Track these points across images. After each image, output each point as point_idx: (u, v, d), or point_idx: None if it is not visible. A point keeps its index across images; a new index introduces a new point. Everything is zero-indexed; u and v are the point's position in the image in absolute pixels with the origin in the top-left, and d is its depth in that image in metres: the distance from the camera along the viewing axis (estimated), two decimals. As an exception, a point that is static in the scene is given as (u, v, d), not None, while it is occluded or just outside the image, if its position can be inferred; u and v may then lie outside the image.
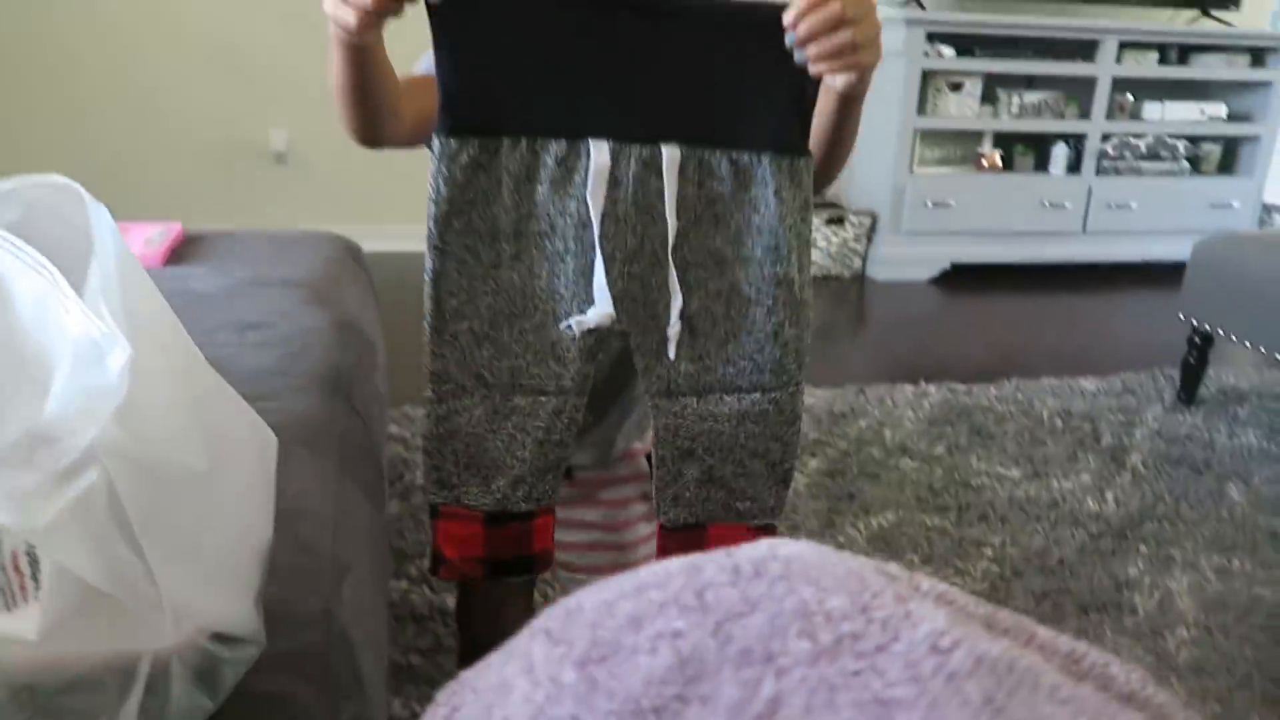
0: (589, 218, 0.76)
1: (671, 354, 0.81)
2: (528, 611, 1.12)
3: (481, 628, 1.10)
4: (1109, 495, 2.07)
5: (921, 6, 3.75)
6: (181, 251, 1.53)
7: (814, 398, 2.50)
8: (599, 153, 0.75)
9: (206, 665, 0.54)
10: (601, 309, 0.78)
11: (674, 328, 0.80)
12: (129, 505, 0.47)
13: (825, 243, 3.79)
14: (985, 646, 0.30)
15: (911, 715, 0.27)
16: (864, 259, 3.86)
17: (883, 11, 3.26)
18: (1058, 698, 0.29)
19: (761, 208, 0.79)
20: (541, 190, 0.76)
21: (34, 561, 0.53)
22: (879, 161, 3.80)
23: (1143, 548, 1.88)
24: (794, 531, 1.88)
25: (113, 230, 0.52)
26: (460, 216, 0.76)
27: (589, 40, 0.73)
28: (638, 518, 1.07)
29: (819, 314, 3.45)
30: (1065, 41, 3.78)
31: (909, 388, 2.60)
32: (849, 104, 0.82)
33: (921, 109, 3.72)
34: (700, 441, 0.84)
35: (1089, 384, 2.69)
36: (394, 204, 3.47)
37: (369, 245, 1.51)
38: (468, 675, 0.38)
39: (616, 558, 1.07)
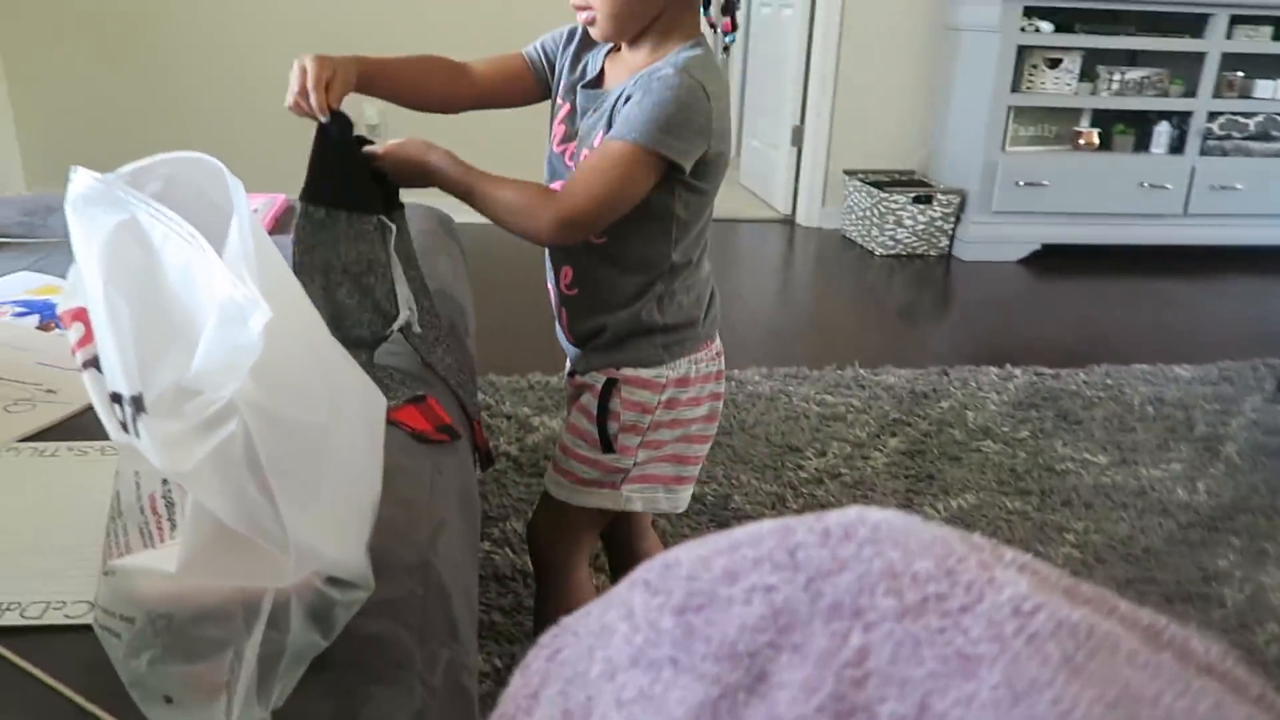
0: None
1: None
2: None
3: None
4: (1200, 485, 2.02)
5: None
6: (284, 220, 1.60)
7: (895, 377, 2.49)
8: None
9: (321, 605, 0.58)
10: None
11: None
12: (262, 453, 0.51)
13: (911, 221, 3.73)
14: (1066, 612, 0.31)
15: (993, 670, 0.29)
16: (951, 238, 3.79)
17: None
18: (1136, 662, 0.30)
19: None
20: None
21: (170, 504, 0.58)
22: (969, 139, 3.72)
23: (1234, 540, 1.83)
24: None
25: (246, 201, 0.56)
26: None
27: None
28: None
29: (903, 292, 3.41)
30: (1172, 15, 3.63)
31: (994, 370, 2.56)
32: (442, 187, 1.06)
33: (1016, 85, 3.62)
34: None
35: (1184, 371, 2.61)
36: (481, 176, 3.53)
37: (460, 216, 1.56)
38: (568, 620, 0.41)
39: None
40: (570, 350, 1.22)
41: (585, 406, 1.16)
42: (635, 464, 1.17)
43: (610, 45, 1.12)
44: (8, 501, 0.81)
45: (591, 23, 1.05)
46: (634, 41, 1.08)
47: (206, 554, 0.53)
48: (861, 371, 2.52)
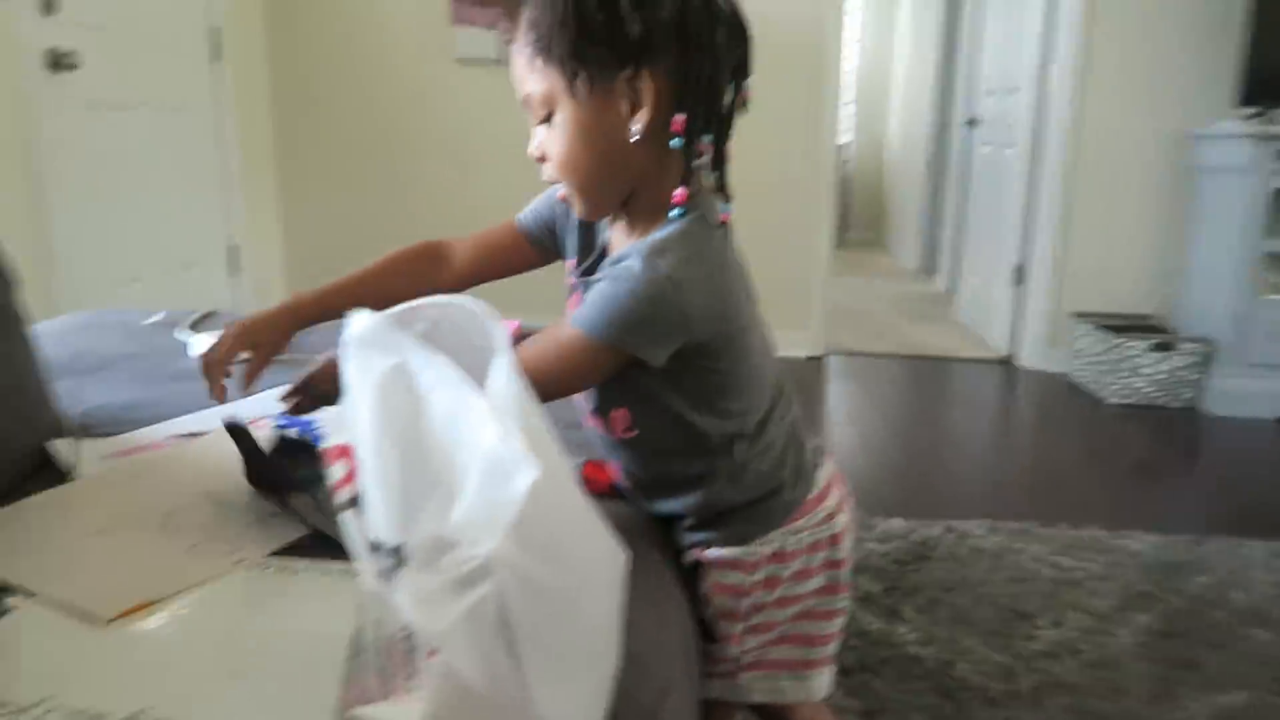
0: None
1: None
2: None
3: None
4: None
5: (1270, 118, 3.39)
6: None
7: (1140, 543, 2.24)
8: None
9: None
10: None
11: None
12: (515, 617, 0.47)
13: (1151, 370, 3.45)
14: None
15: None
16: (1197, 390, 3.47)
17: (1227, 126, 2.98)
18: None
19: None
20: None
21: (410, 651, 0.56)
22: (1215, 284, 3.43)
23: None
24: (1118, 695, 1.66)
25: (508, 344, 0.55)
26: None
27: None
28: None
29: (1142, 447, 3.12)
30: None
31: (1259, 544, 2.26)
32: None
33: (1272, 230, 3.32)
34: None
35: None
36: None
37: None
38: None
39: None
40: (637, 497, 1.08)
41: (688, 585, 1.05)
42: (744, 650, 1.03)
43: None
44: (250, 623, 0.82)
45: (566, 200, 0.96)
46: (624, 211, 0.96)
47: (447, 715, 0.49)
48: (1100, 534, 2.29)
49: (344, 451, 0.55)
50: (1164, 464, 3.05)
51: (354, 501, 0.53)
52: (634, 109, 0.87)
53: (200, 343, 1.56)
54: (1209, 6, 3.58)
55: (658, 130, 0.87)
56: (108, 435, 1.19)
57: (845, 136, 7.46)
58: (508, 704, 0.50)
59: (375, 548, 0.50)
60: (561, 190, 0.95)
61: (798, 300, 4.01)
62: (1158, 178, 3.73)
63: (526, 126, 0.93)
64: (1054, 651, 1.79)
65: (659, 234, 0.89)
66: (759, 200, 3.26)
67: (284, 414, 1.02)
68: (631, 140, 0.88)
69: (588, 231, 1.04)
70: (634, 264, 0.86)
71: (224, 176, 3.52)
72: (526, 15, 0.88)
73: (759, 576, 1.01)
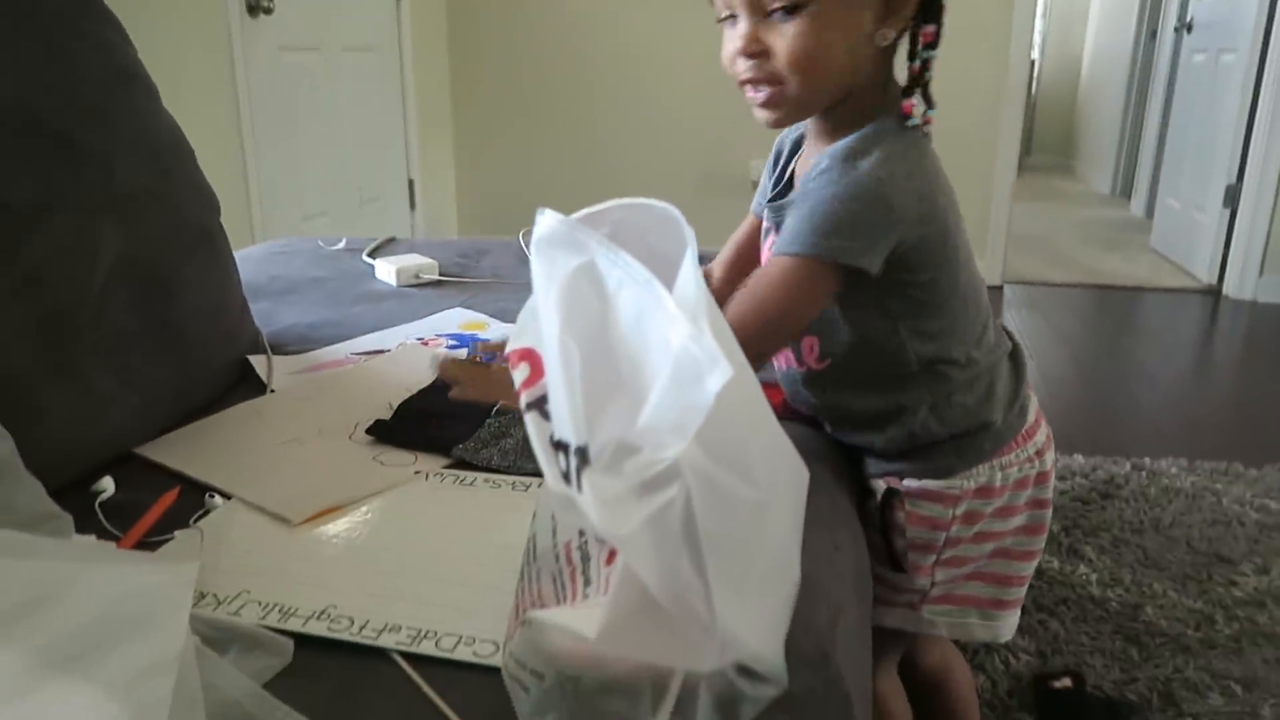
0: None
1: None
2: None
3: None
4: None
5: None
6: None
7: (1365, 489, 2.03)
8: None
9: (729, 698, 0.53)
10: None
11: None
12: (701, 525, 0.46)
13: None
14: None
15: None
16: None
17: None
18: None
19: None
20: None
21: (585, 557, 0.56)
22: None
23: None
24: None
25: (695, 249, 0.53)
26: None
27: None
28: None
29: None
30: None
31: None
32: None
33: None
34: None
35: None
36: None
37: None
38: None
39: None
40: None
41: (868, 512, 1.00)
42: (934, 584, 0.98)
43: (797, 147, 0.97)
44: (429, 529, 0.85)
45: (767, 104, 0.86)
46: (821, 120, 0.90)
47: (628, 624, 0.49)
48: (1316, 476, 2.09)
49: (525, 355, 0.54)
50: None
51: (537, 405, 0.52)
52: (888, 13, 0.83)
53: (381, 268, 1.62)
54: None
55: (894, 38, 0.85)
56: (297, 353, 1.26)
57: (1033, 53, 6.96)
58: (690, 615, 0.49)
59: (559, 448, 0.49)
60: (760, 96, 0.86)
61: (976, 225, 3.80)
62: (1404, 82, 3.29)
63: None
64: (1258, 599, 1.66)
65: (851, 139, 0.84)
66: (939, 117, 3.09)
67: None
68: (878, 45, 0.84)
69: (777, 171, 1.00)
70: (830, 170, 0.83)
71: (404, 115, 3.64)
72: None
73: (960, 510, 0.95)
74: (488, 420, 1.02)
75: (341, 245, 1.81)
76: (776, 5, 0.81)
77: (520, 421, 1.02)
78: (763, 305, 0.82)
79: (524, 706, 0.55)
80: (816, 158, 0.86)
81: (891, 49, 0.87)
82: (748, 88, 0.86)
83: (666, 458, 0.44)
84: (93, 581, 0.57)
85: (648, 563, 0.45)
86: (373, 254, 1.74)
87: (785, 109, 0.86)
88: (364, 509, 0.87)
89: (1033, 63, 4.51)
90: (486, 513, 0.87)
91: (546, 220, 0.53)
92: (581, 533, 0.56)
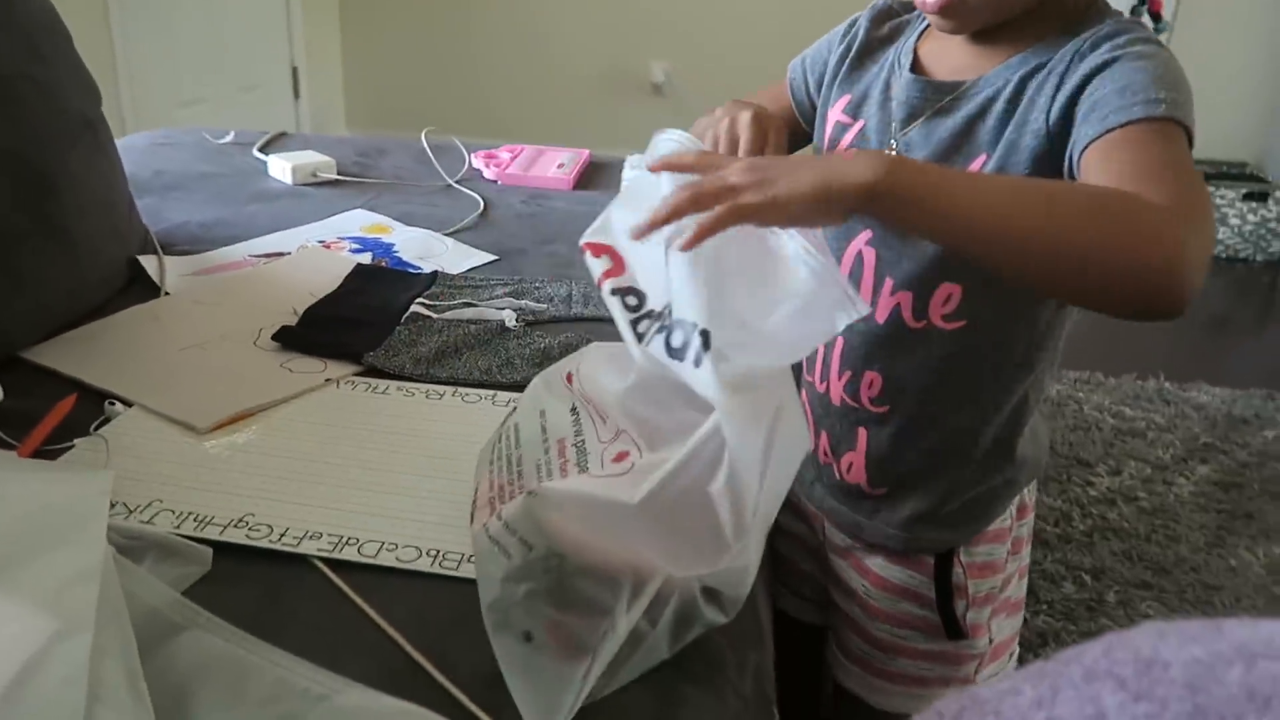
0: None
1: None
2: None
3: None
4: None
5: None
6: (589, 176, 1.62)
7: (1208, 396, 2.21)
8: None
9: (688, 615, 0.57)
10: None
11: None
12: (776, 442, 0.53)
13: (1238, 220, 3.31)
14: None
15: None
16: (1283, 243, 3.33)
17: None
18: None
19: None
20: None
21: (581, 451, 0.60)
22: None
23: None
24: (1171, 542, 1.68)
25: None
26: None
27: None
28: None
29: (1220, 299, 3.04)
30: None
31: (1332, 401, 2.22)
32: (880, 215, 0.57)
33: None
34: None
35: None
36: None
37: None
38: (986, 695, 0.35)
39: None
40: (835, 499, 0.85)
41: (908, 588, 0.83)
42: (990, 640, 0.85)
43: (921, 33, 0.77)
44: (343, 437, 0.85)
45: (945, 8, 0.68)
46: (993, 31, 0.71)
47: (668, 502, 0.53)
48: (1167, 385, 2.26)
49: (603, 249, 0.60)
50: (1240, 318, 2.97)
51: (622, 292, 0.59)
52: None
53: (275, 165, 1.56)
54: None
55: None
56: (190, 254, 1.21)
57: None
58: (732, 513, 0.53)
59: (674, 324, 0.56)
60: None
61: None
62: (1267, 14, 3.46)
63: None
64: (1110, 499, 1.81)
65: (1114, 20, 0.69)
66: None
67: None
68: None
69: (862, 60, 0.81)
70: (1131, 31, 0.66)
71: (285, -5, 3.43)
72: None
73: (1010, 542, 0.83)
74: (397, 328, 1.02)
75: (230, 138, 1.72)
76: None
77: (433, 329, 1.02)
78: (1180, 170, 0.60)
79: (498, 572, 0.57)
80: (1067, 38, 0.68)
81: None
82: None
83: (780, 368, 0.53)
84: (6, 494, 0.56)
85: (739, 440, 0.51)
86: (264, 149, 1.66)
87: (966, 16, 0.69)
88: (274, 417, 0.87)
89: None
90: (401, 420, 0.88)
91: (669, 134, 0.64)
92: (579, 433, 0.62)
